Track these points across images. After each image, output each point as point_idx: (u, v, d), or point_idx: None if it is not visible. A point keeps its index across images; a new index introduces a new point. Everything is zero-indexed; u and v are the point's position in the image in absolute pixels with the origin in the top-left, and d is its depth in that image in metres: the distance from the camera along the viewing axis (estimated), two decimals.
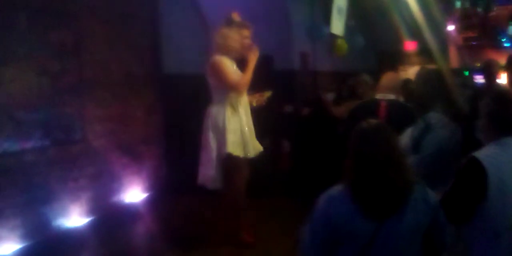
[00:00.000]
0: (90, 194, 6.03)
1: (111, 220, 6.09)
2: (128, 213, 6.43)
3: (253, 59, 4.98)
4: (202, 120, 5.11)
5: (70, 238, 5.48)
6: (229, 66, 5.00)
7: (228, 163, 5.00)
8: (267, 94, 5.38)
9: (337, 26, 8.13)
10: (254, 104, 5.28)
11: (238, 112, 5.05)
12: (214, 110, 5.03)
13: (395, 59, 10.32)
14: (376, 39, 9.85)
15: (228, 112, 4.98)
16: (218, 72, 4.93)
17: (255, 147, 5.25)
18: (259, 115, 7.32)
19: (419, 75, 3.93)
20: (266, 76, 7.43)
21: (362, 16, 9.44)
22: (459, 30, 10.68)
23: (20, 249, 4.97)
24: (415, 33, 9.42)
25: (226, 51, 5.01)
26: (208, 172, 5.01)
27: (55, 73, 5.49)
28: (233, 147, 4.95)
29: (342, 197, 2.43)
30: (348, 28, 8.69)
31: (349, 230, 2.41)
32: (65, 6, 5.72)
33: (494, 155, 2.68)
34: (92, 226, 5.85)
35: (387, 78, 4.75)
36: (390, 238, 2.37)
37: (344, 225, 2.40)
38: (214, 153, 4.99)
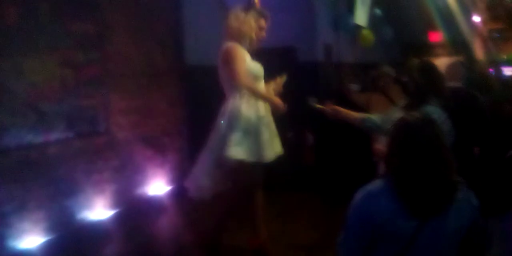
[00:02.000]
0: (115, 187, 6.02)
1: (135, 212, 6.08)
2: (152, 205, 6.41)
3: (271, 100, 4.49)
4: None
5: (94, 231, 5.46)
6: (243, 58, 4.42)
7: (233, 169, 4.40)
8: (282, 78, 4.80)
9: (361, 16, 8.04)
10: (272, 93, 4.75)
11: (256, 108, 4.48)
12: (228, 107, 4.47)
13: (420, 50, 10.18)
14: (401, 30, 9.70)
15: (243, 107, 4.41)
16: (230, 63, 4.37)
17: (275, 149, 4.63)
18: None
19: (414, 66, 3.81)
20: (289, 68, 7.36)
21: (387, 7, 9.31)
22: (484, 21, 10.51)
23: (44, 242, 4.95)
24: (441, 24, 9.29)
25: (239, 38, 4.50)
26: (197, 176, 4.49)
27: (78, 64, 5.47)
28: (238, 150, 4.30)
29: (384, 194, 2.31)
30: (373, 19, 8.60)
31: (389, 229, 2.29)
32: None
33: None
34: (116, 218, 5.84)
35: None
36: (432, 239, 2.27)
37: (384, 223, 2.29)
38: (212, 156, 4.44)
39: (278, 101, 4.46)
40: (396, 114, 3.82)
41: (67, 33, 5.33)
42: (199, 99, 7.34)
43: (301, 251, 5.06)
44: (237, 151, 4.31)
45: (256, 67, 4.57)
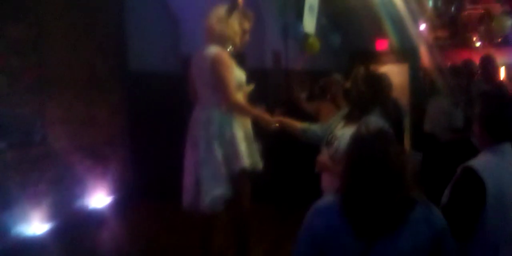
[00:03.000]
0: (52, 199, 5.78)
1: (74, 226, 5.83)
2: (92, 218, 6.20)
3: (260, 117, 4.14)
4: (188, 126, 4.23)
5: (30, 246, 5.23)
6: (232, 69, 4.13)
7: (239, 180, 4.15)
8: (250, 87, 4.44)
9: (309, 24, 7.99)
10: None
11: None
12: (216, 115, 4.11)
13: (367, 58, 10.22)
14: (349, 38, 9.72)
15: (237, 116, 4.16)
16: (220, 75, 4.04)
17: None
18: None
19: (359, 75, 3.72)
20: None
21: (335, 15, 9.32)
22: (430, 29, 10.63)
23: None
24: (387, 32, 9.34)
25: (222, 42, 4.16)
26: (214, 191, 4.02)
27: (13, 70, 5.25)
28: (247, 160, 4.11)
29: (332, 210, 2.21)
30: (321, 27, 8.57)
31: (336, 248, 2.19)
32: None
33: (491, 164, 2.51)
34: (54, 233, 5.58)
35: None
36: None
37: (331, 241, 2.19)
38: (222, 168, 4.06)
39: (268, 117, 4.14)
40: (337, 123, 3.74)
41: (1, 37, 5.12)
42: (143, 106, 7.13)
43: None
44: (247, 160, 4.11)
45: (241, 76, 4.29)
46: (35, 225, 5.48)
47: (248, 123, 4.30)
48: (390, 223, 2.15)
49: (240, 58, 7.01)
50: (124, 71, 7.20)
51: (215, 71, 4.05)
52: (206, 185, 4.05)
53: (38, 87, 5.58)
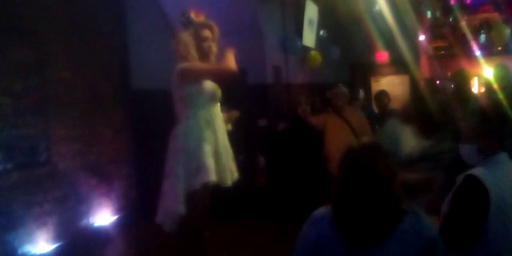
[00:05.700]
0: (57, 219, 5.79)
1: (79, 245, 5.86)
2: (98, 237, 6.20)
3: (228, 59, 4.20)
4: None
5: None
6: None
7: (197, 195, 4.03)
8: (234, 114, 4.55)
9: (309, 38, 8.05)
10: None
11: (214, 129, 4.16)
12: (182, 128, 4.12)
13: (367, 70, 10.26)
14: (349, 51, 9.76)
15: (204, 130, 4.09)
16: (193, 72, 4.12)
17: (232, 172, 4.29)
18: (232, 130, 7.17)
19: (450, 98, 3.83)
20: (238, 90, 7.25)
21: (334, 28, 9.37)
22: (429, 39, 10.67)
23: None
24: (387, 44, 9.38)
25: (185, 59, 4.19)
26: (172, 207, 3.98)
27: (16, 92, 5.28)
28: (213, 175, 4.01)
29: (325, 220, 2.27)
30: (320, 40, 8.63)
31: None
32: (26, 22, 5.51)
33: (492, 173, 2.52)
34: (60, 252, 5.60)
35: None
36: None
37: (323, 250, 2.25)
38: (180, 183, 3.97)
39: (226, 66, 4.19)
40: None
41: (4, 60, 5.15)
42: (146, 124, 7.16)
43: None
44: (213, 175, 4.01)
45: (213, 88, 4.27)
46: (41, 245, 5.49)
47: (225, 139, 4.28)
48: (377, 234, 2.19)
49: (240, 73, 7.09)
50: (127, 90, 7.26)
51: (186, 77, 4.09)
52: (163, 200, 4.03)
53: (42, 108, 5.61)
